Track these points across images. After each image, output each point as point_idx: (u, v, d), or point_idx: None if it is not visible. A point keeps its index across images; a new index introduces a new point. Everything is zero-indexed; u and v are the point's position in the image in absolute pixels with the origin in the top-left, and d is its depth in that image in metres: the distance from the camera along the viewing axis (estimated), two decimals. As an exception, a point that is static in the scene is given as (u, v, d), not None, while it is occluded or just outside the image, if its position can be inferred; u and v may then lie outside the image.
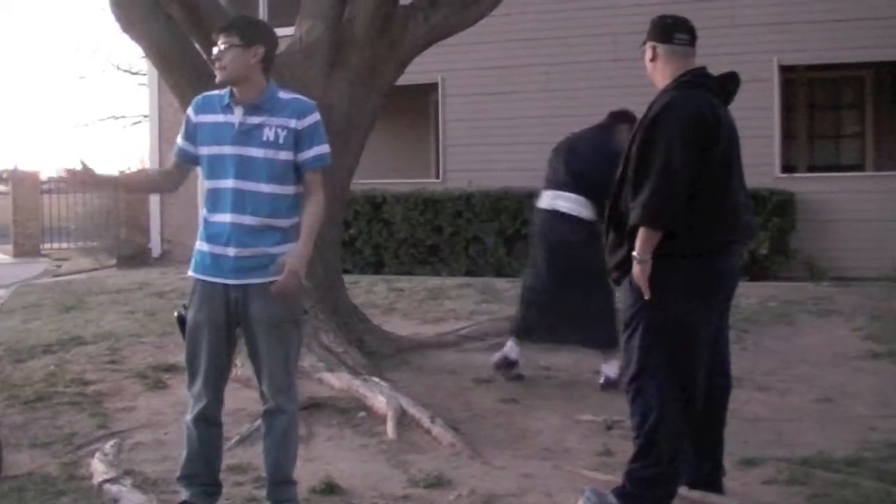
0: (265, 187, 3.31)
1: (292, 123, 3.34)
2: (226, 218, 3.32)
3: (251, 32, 3.38)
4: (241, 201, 3.30)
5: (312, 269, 6.07)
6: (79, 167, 3.44)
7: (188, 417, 3.46)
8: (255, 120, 3.33)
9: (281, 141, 3.33)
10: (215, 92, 3.47)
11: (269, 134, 3.32)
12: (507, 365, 5.79)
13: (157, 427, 4.87)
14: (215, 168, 3.36)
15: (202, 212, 3.44)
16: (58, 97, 52.41)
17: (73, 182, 3.48)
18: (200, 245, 3.40)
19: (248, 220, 3.31)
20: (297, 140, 3.35)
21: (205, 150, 3.40)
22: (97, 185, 3.45)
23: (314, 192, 3.41)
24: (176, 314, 3.51)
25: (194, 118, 3.44)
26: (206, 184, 3.42)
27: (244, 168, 3.30)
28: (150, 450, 4.50)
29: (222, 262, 3.33)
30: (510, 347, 5.79)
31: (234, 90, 3.37)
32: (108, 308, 9.33)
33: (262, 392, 3.44)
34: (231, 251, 3.31)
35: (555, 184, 5.77)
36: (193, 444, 3.45)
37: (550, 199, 5.75)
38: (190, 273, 3.45)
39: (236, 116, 3.36)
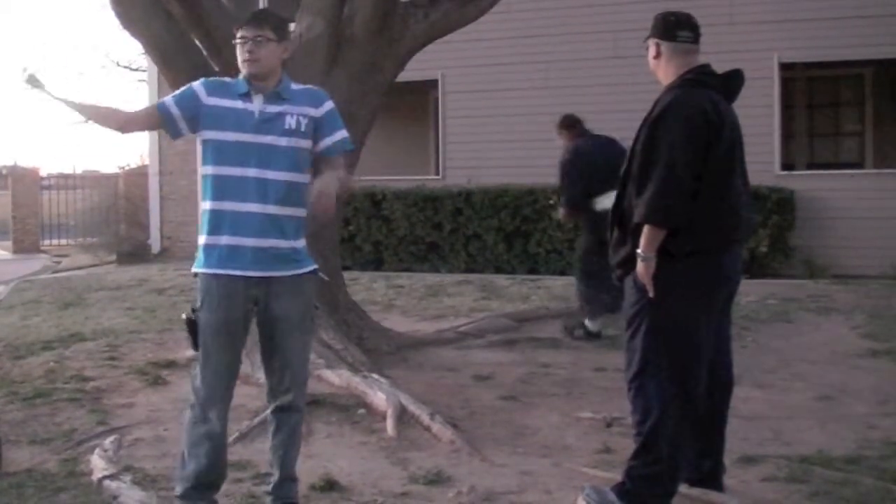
0: (287, 175, 3.28)
1: (311, 111, 3.34)
2: (248, 207, 3.24)
3: (283, 28, 3.39)
4: (264, 190, 3.25)
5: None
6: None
7: (194, 415, 3.31)
8: (276, 109, 3.31)
9: (303, 129, 3.31)
10: (227, 78, 3.43)
11: (290, 122, 3.30)
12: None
13: (157, 423, 4.86)
14: (230, 155, 3.27)
15: (207, 203, 3.30)
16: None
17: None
18: (214, 239, 3.26)
19: (271, 209, 3.26)
20: (317, 128, 3.35)
21: (216, 136, 3.29)
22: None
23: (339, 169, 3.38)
24: (185, 317, 3.34)
25: (205, 99, 3.33)
26: (212, 169, 3.29)
27: (267, 157, 3.25)
28: (149, 446, 4.49)
29: (242, 254, 3.24)
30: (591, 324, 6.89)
31: (253, 80, 3.34)
32: (108, 304, 9.34)
33: (271, 389, 3.37)
34: (251, 241, 3.24)
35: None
36: (206, 444, 3.27)
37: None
38: (199, 269, 3.30)
39: (256, 105, 3.31)
